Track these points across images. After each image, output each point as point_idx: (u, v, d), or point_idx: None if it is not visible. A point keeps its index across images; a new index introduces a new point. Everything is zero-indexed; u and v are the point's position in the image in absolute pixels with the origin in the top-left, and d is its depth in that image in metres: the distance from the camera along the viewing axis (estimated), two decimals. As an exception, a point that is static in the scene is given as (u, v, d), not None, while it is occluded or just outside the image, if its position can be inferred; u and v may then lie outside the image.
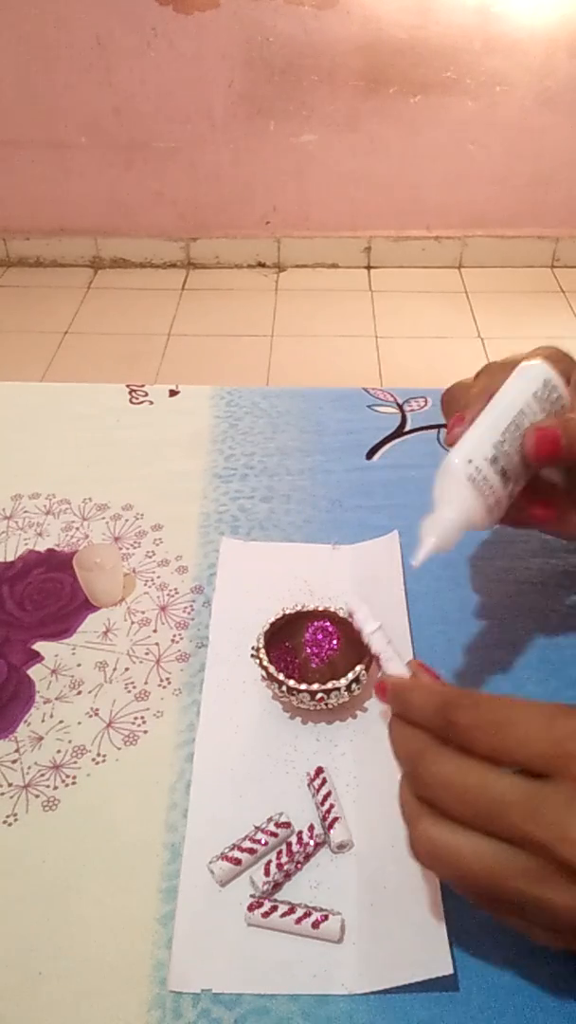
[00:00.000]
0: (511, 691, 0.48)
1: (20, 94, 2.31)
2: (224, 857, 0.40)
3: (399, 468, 0.66)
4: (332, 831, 0.41)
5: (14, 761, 0.45)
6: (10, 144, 2.40)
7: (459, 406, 0.44)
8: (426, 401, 0.73)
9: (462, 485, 0.39)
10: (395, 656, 0.39)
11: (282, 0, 2.14)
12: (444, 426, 0.69)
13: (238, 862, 0.40)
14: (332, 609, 0.50)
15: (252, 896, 0.39)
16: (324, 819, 0.41)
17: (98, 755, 0.46)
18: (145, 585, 0.56)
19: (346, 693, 0.45)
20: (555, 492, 0.44)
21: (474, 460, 0.40)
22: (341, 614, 0.49)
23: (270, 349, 2.27)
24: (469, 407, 0.42)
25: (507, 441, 0.40)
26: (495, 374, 0.43)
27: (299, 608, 0.50)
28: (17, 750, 0.46)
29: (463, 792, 0.30)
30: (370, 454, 0.67)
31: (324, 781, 0.43)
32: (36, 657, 0.51)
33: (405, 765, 0.33)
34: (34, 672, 0.50)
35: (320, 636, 0.49)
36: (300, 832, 0.41)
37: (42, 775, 0.45)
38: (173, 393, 0.75)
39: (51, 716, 0.48)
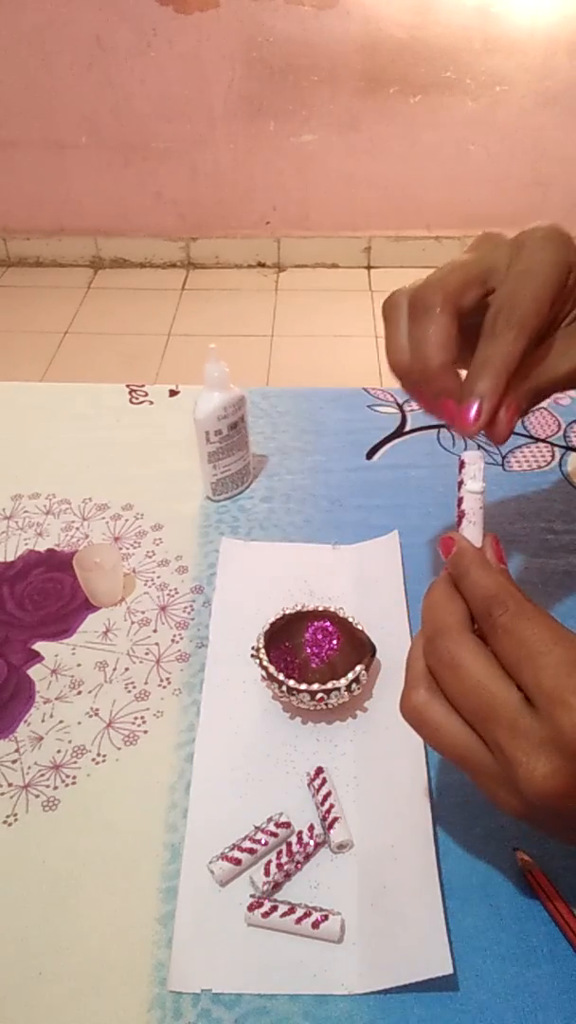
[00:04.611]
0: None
1: (20, 94, 2.31)
2: (224, 857, 0.40)
3: (399, 468, 0.66)
4: (332, 831, 0.41)
5: (14, 761, 0.45)
6: (10, 144, 2.40)
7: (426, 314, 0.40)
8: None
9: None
10: (479, 524, 0.37)
11: (282, 0, 2.14)
12: (444, 426, 0.69)
13: (238, 862, 0.40)
14: (332, 609, 0.50)
15: (252, 896, 0.39)
16: (324, 819, 0.41)
17: (98, 755, 0.46)
18: (145, 585, 0.56)
19: (346, 693, 0.45)
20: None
21: None
22: (341, 614, 0.49)
23: (270, 349, 2.27)
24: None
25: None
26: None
27: (299, 608, 0.50)
28: (17, 750, 0.46)
29: (466, 683, 0.32)
30: (370, 454, 0.67)
31: (324, 781, 0.43)
32: (36, 657, 0.51)
33: (428, 629, 0.34)
34: (34, 672, 0.50)
35: (320, 636, 0.49)
36: (300, 832, 0.41)
37: (42, 775, 0.45)
38: (173, 393, 0.75)
39: (51, 716, 0.48)
